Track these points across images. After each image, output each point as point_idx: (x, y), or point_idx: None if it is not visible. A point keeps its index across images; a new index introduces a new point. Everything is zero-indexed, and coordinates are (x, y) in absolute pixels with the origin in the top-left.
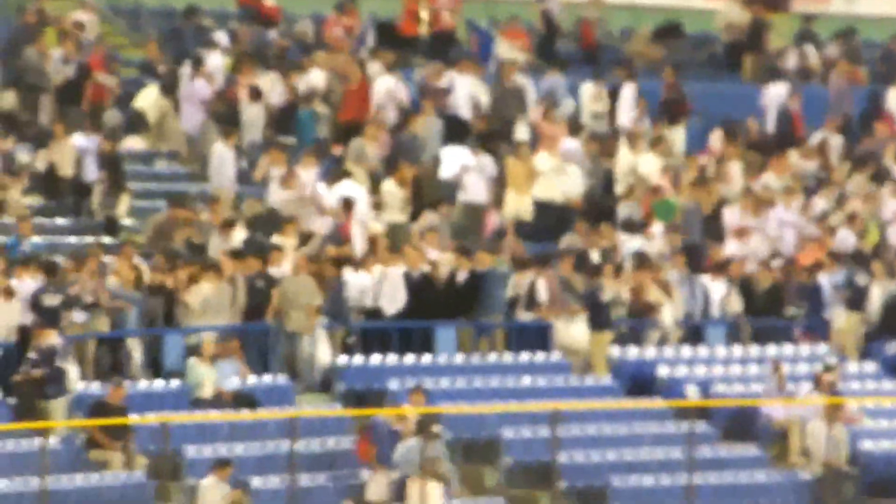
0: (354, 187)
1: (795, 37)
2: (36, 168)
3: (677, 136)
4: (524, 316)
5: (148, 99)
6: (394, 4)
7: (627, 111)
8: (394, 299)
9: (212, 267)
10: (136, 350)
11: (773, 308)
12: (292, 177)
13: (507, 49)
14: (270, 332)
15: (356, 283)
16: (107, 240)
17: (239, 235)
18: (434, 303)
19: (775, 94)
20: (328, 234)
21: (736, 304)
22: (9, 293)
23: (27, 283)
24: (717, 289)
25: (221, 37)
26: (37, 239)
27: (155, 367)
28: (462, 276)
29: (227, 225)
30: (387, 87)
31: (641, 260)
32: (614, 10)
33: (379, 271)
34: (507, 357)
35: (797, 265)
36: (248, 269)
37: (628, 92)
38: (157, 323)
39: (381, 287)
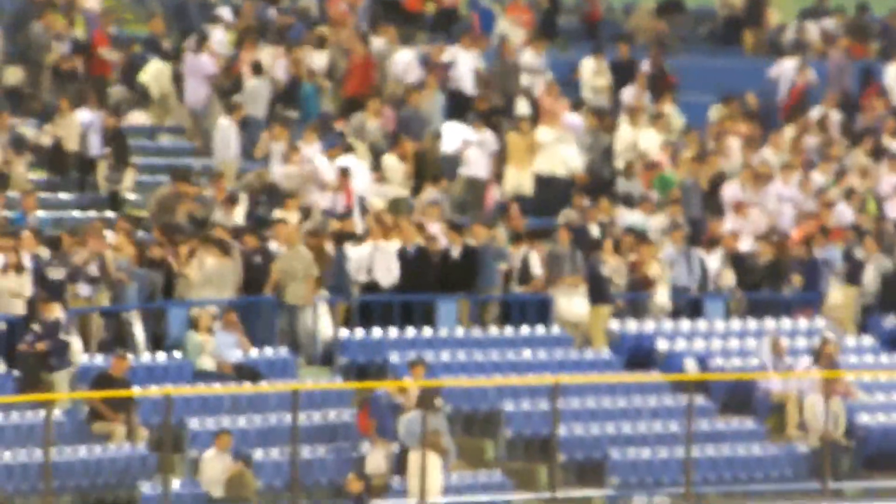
0: (355, 162)
1: (803, 12)
2: (41, 143)
3: (669, 110)
4: (518, 290)
5: (151, 73)
6: None
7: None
8: (388, 273)
9: (216, 242)
10: (136, 324)
11: (772, 282)
12: (294, 152)
13: (508, 25)
14: (267, 306)
15: (353, 257)
16: (111, 214)
17: (241, 210)
18: (430, 277)
19: (788, 68)
20: (329, 208)
21: (728, 278)
22: (19, 267)
23: (30, 257)
24: (712, 262)
25: (225, 12)
26: (42, 213)
27: (157, 340)
28: (456, 251)
29: (230, 200)
30: (405, 62)
31: (640, 235)
32: None
33: (371, 245)
34: (508, 331)
35: (794, 240)
36: (247, 245)
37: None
38: (156, 297)
39: (373, 261)
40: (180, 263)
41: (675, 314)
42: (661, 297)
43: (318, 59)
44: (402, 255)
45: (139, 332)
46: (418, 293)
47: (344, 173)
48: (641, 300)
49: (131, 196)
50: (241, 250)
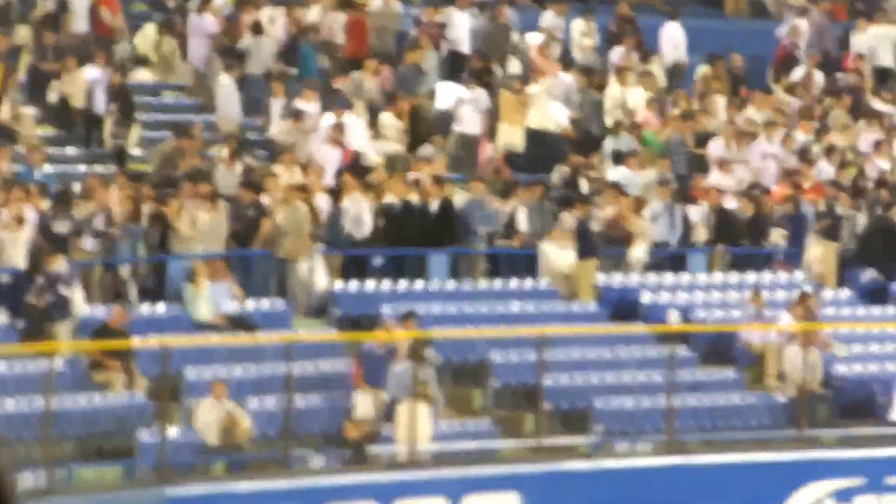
0: (353, 119)
1: None
2: (49, 99)
3: (656, 70)
4: (501, 243)
5: (146, 38)
6: None
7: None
8: (358, 225)
9: (207, 195)
10: (129, 278)
11: (754, 237)
12: (294, 109)
13: None
14: (262, 259)
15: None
16: (116, 169)
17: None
18: (413, 232)
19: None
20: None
21: (701, 235)
22: (20, 221)
23: (34, 211)
24: (694, 217)
25: None
26: (48, 168)
27: (155, 292)
28: (435, 206)
29: (233, 155)
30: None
31: (621, 189)
32: None
33: (346, 199)
34: (496, 284)
35: (774, 196)
36: (241, 199)
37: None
38: (154, 250)
39: (344, 213)
40: (172, 218)
41: (658, 268)
42: (639, 251)
43: (313, 17)
44: (388, 210)
45: (132, 285)
46: (401, 247)
47: (338, 129)
48: (619, 254)
49: (136, 152)
50: (237, 204)
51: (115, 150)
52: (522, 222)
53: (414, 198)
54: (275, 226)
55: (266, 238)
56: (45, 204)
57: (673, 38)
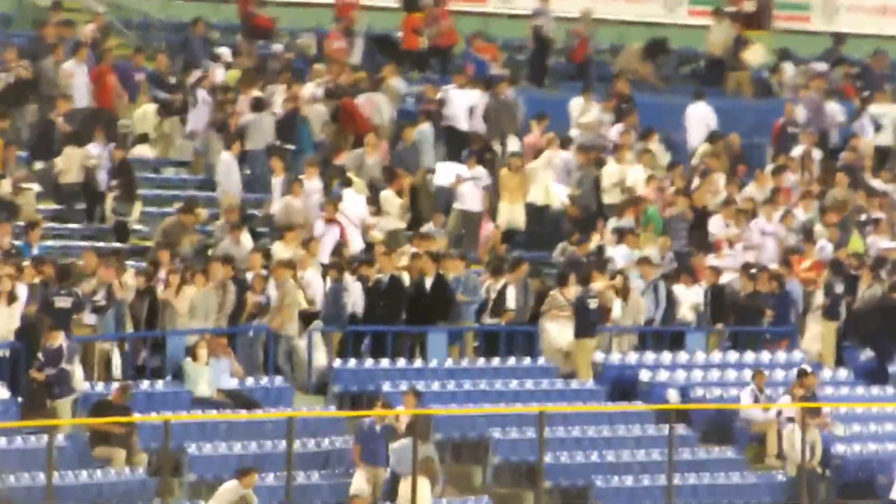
0: (354, 196)
1: (777, 54)
2: (50, 174)
3: (656, 148)
4: (490, 321)
5: (145, 117)
6: (389, 18)
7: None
8: (355, 303)
9: (198, 271)
10: (114, 353)
11: (752, 316)
12: (298, 184)
13: (497, 65)
14: (262, 335)
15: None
16: (116, 245)
17: (246, 240)
18: (401, 308)
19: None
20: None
21: (688, 312)
22: (11, 298)
23: (26, 286)
24: (691, 295)
25: (224, 51)
26: (50, 243)
27: (138, 368)
28: (429, 282)
29: (236, 229)
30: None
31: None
32: (601, 26)
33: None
34: (495, 361)
35: (777, 273)
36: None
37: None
38: (140, 326)
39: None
40: (169, 293)
41: (658, 346)
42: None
43: (312, 93)
44: (376, 286)
45: (116, 359)
46: (390, 325)
47: (333, 205)
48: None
49: (138, 227)
50: (229, 279)
51: (116, 225)
52: (511, 300)
53: (404, 274)
54: (258, 302)
55: (250, 313)
56: (38, 279)
57: (704, 118)
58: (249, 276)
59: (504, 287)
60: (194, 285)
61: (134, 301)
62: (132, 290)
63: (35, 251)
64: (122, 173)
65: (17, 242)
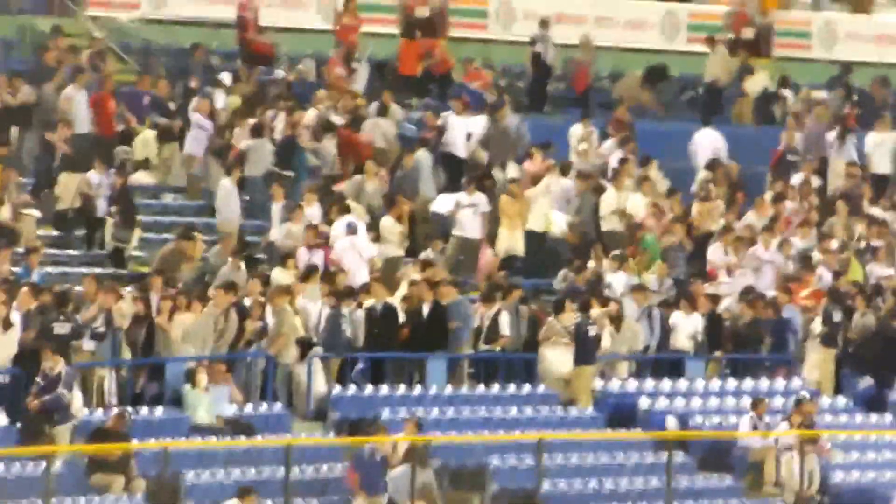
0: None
1: (776, 81)
2: (50, 200)
3: (655, 175)
4: (483, 348)
5: (145, 143)
6: (389, 45)
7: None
8: (355, 329)
9: (195, 297)
10: (107, 379)
11: (751, 343)
12: (299, 210)
13: (489, 92)
14: (261, 361)
15: (313, 313)
16: (115, 271)
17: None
18: (396, 335)
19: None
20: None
21: (683, 340)
22: (7, 323)
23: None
24: (688, 323)
25: (226, 77)
26: (49, 269)
27: (135, 396)
28: (426, 309)
29: (236, 255)
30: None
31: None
32: (601, 53)
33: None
34: (494, 388)
35: (775, 301)
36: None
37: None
38: (136, 352)
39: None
40: (162, 319)
41: (656, 374)
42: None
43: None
44: (369, 314)
45: (109, 384)
46: (386, 351)
47: (314, 231)
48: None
49: (136, 253)
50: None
51: (115, 252)
52: (505, 326)
53: (396, 299)
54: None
55: (248, 340)
56: (34, 305)
57: (713, 143)
58: (247, 302)
59: (498, 313)
60: (191, 312)
61: (131, 327)
62: (129, 317)
63: (35, 276)
64: (122, 200)
65: (15, 269)
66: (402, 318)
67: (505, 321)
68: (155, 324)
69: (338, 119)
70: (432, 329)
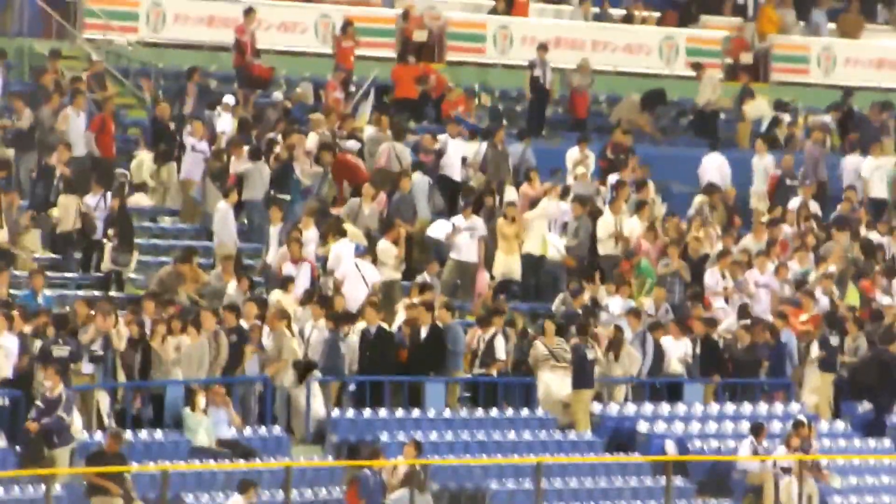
0: (347, 244)
1: (773, 105)
2: (48, 223)
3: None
4: (478, 371)
5: (141, 165)
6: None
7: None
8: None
9: (190, 321)
10: (102, 401)
11: (749, 367)
12: (296, 233)
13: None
14: (259, 385)
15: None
16: (113, 294)
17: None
18: (391, 358)
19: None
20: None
21: (675, 364)
22: None
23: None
24: (679, 347)
25: (230, 99)
26: (47, 292)
27: (119, 417)
28: (424, 332)
29: (239, 278)
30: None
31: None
32: (599, 77)
33: (310, 324)
34: (493, 411)
35: (772, 325)
36: (228, 323)
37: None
38: (133, 376)
39: (309, 339)
40: (156, 342)
41: (654, 398)
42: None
43: (311, 145)
44: (364, 337)
45: (104, 406)
46: (381, 374)
47: (298, 244)
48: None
49: (134, 276)
50: (220, 329)
51: (113, 275)
52: (500, 350)
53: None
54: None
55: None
56: (30, 329)
57: (720, 168)
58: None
59: (493, 337)
60: (186, 335)
61: (127, 350)
62: (125, 340)
63: (40, 299)
64: (120, 223)
65: (17, 292)
66: (403, 340)
67: (500, 345)
68: (150, 347)
69: (352, 143)
70: (431, 352)
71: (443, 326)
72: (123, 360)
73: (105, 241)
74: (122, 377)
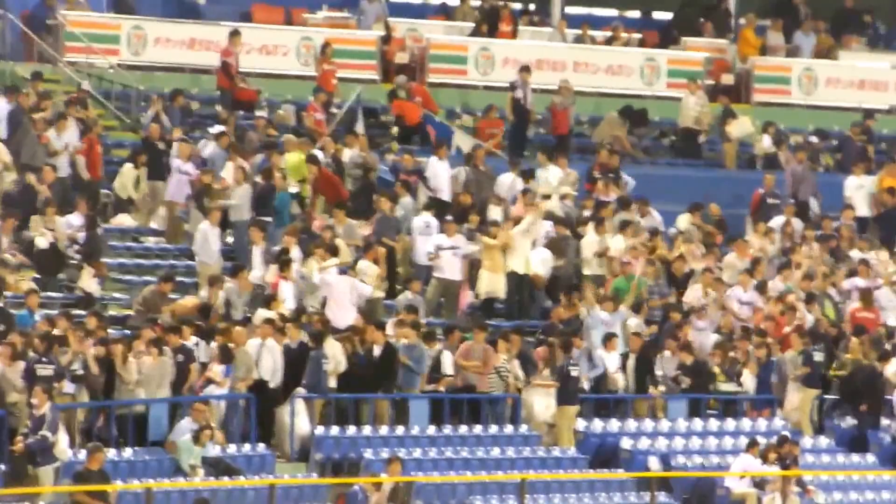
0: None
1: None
2: (34, 245)
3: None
4: (428, 388)
5: (124, 179)
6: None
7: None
8: (274, 372)
9: (151, 341)
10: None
11: (732, 383)
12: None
13: (463, 141)
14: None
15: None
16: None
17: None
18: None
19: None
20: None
21: (618, 382)
22: None
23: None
24: (612, 359)
25: (216, 129)
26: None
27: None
28: (378, 351)
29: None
30: None
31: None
32: (580, 98)
33: (258, 342)
34: (477, 428)
35: (757, 342)
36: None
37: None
38: (98, 395)
39: (260, 357)
40: (116, 363)
41: (637, 415)
42: None
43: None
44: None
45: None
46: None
47: (284, 263)
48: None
49: (118, 295)
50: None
51: (83, 294)
52: (448, 365)
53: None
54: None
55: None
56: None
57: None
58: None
59: (440, 353)
60: (149, 356)
61: (94, 370)
62: (95, 363)
63: (37, 318)
64: (89, 240)
65: (15, 312)
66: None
67: (448, 360)
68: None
69: (359, 157)
70: (381, 370)
71: (406, 345)
72: (87, 381)
73: (79, 262)
74: (84, 398)
